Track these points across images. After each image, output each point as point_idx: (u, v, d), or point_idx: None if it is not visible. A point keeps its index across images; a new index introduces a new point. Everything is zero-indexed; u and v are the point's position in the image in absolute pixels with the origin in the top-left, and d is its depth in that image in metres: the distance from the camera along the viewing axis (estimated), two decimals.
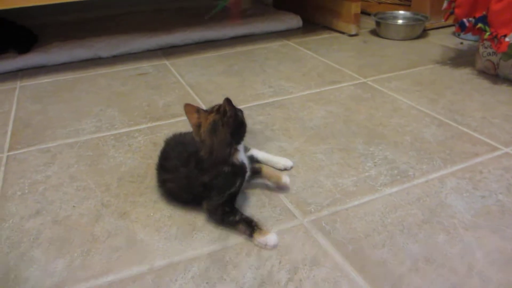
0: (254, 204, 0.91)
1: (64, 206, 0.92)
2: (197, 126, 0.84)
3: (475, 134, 1.14)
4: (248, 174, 0.87)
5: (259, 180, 0.95)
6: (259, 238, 0.79)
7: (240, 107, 1.28)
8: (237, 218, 0.82)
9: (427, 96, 1.35)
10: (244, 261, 0.76)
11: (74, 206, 0.92)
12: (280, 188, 0.94)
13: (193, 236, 0.83)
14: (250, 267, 0.75)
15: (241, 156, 0.85)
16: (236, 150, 0.84)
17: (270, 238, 0.79)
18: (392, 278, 0.72)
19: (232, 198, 0.85)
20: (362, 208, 0.89)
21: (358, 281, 0.72)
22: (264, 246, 0.79)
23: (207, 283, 0.73)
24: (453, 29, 1.51)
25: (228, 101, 0.80)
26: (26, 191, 0.98)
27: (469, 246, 0.78)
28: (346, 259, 0.76)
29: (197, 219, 0.86)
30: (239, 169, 0.85)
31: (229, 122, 0.81)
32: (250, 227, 0.81)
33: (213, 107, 0.84)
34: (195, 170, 0.84)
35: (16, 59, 1.68)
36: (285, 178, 0.93)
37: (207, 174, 0.83)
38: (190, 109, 0.85)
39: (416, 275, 0.73)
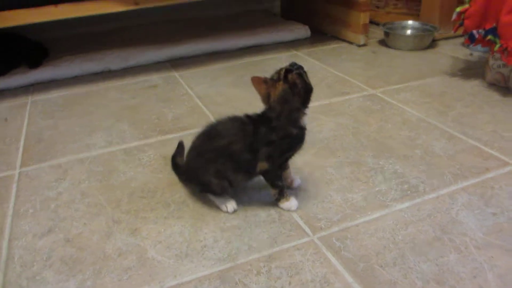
0: (264, 219, 0.91)
1: (75, 224, 0.93)
2: (266, 96, 0.89)
3: (486, 148, 1.13)
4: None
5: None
6: (284, 204, 0.93)
7: None
8: (281, 184, 0.92)
9: (436, 108, 1.35)
10: (254, 281, 0.76)
11: (85, 224, 0.93)
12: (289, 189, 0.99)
13: (204, 253, 0.83)
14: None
15: (305, 121, 0.90)
16: (304, 113, 0.89)
17: (293, 203, 0.93)
18: None
19: (284, 162, 0.94)
20: (372, 224, 0.89)
21: None
22: (288, 210, 0.93)
23: None
24: (462, 39, 1.50)
25: (298, 74, 0.85)
26: (38, 208, 0.99)
27: (481, 266, 0.77)
28: (357, 279, 0.76)
29: (208, 235, 0.87)
30: (303, 134, 0.90)
31: (300, 93, 0.86)
32: (281, 194, 0.93)
33: (278, 73, 0.87)
34: (264, 128, 0.88)
35: (28, 74, 1.70)
36: (297, 182, 1.00)
37: (276, 133, 0.88)
38: (257, 80, 0.90)
39: None
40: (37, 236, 0.90)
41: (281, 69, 0.87)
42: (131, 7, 1.50)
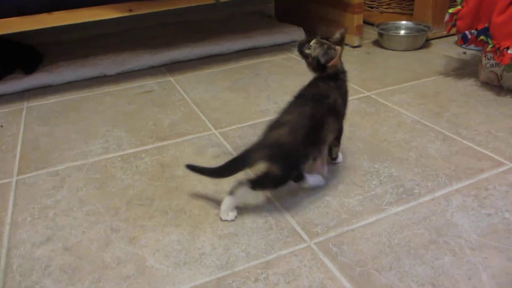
0: (262, 226, 0.91)
1: (74, 232, 0.93)
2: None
3: (480, 149, 1.14)
4: None
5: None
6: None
7: (244, 125, 1.30)
8: None
9: (431, 109, 1.36)
10: None
11: (84, 232, 0.93)
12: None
13: (202, 261, 0.84)
14: None
15: None
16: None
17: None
18: None
19: None
20: (369, 228, 0.89)
21: None
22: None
23: None
24: (455, 38, 1.51)
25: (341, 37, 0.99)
26: (36, 216, 0.99)
27: (476, 267, 0.78)
28: (353, 284, 0.77)
29: (206, 243, 0.88)
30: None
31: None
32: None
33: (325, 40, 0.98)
34: (338, 81, 1.00)
35: (23, 80, 1.70)
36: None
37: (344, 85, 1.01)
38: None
39: None
40: (35, 245, 0.90)
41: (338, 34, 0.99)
42: (125, 14, 1.50)
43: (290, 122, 0.93)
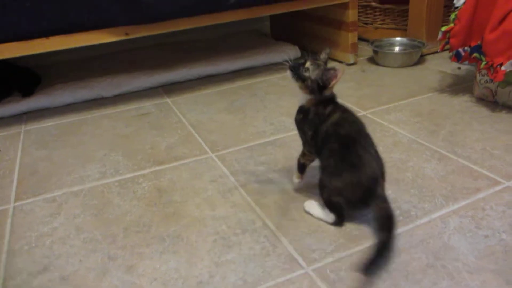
0: (259, 253, 0.91)
1: (71, 261, 0.93)
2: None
3: (476, 167, 1.14)
4: None
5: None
6: None
7: (241, 147, 1.31)
8: None
9: (427, 127, 1.37)
10: None
11: (81, 260, 0.93)
12: None
13: None
14: None
15: None
16: None
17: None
18: None
19: None
20: (366, 253, 0.89)
21: None
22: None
23: None
24: (450, 53, 1.53)
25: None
26: (33, 245, 0.99)
27: None
28: None
29: (203, 271, 0.87)
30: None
31: None
32: None
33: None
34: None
35: (20, 103, 1.71)
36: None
37: None
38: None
39: None
40: (32, 275, 0.90)
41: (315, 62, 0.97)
42: (122, 37, 1.51)
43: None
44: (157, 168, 1.26)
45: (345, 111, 0.99)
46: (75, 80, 1.86)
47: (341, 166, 0.91)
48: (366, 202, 0.90)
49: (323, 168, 0.96)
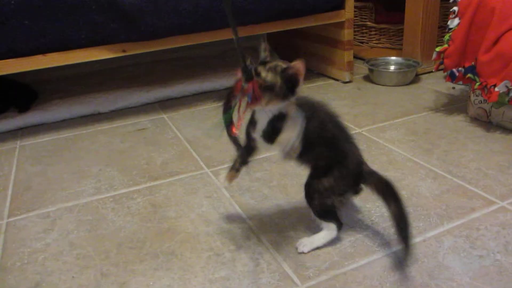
0: (253, 269, 0.91)
1: (63, 277, 0.92)
2: None
3: (470, 187, 1.15)
4: None
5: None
6: None
7: None
8: None
9: (421, 146, 1.37)
10: None
11: (73, 277, 0.92)
12: None
13: None
14: None
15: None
16: None
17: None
18: None
19: None
20: (361, 271, 0.89)
21: None
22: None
23: None
24: (444, 73, 1.55)
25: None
26: (26, 261, 0.98)
27: None
28: None
29: None
30: None
31: None
32: None
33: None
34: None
35: (16, 118, 1.71)
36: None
37: None
38: None
39: None
40: None
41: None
42: (119, 54, 1.52)
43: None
44: (152, 183, 1.25)
45: (320, 107, 0.93)
46: (72, 96, 1.86)
47: (331, 166, 0.91)
48: (357, 185, 0.95)
49: (310, 173, 0.93)
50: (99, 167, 1.37)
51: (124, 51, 1.53)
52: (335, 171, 0.90)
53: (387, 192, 0.90)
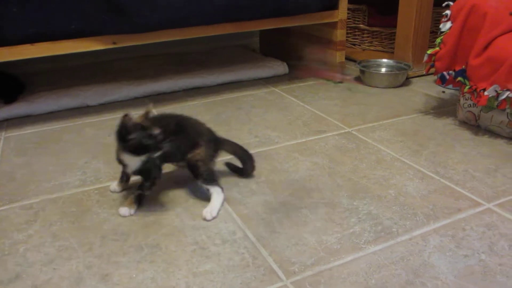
0: (238, 264, 0.90)
1: (44, 269, 0.91)
2: None
3: (458, 188, 1.15)
4: None
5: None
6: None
7: (224, 159, 1.29)
8: None
9: (410, 147, 1.38)
10: None
11: (54, 269, 0.90)
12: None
13: None
14: None
15: None
16: None
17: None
18: None
19: None
20: (346, 267, 0.89)
21: None
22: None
23: None
24: (435, 77, 1.56)
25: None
26: (6, 252, 0.96)
27: None
28: None
29: (180, 281, 0.85)
30: None
31: None
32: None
33: None
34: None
35: (2, 109, 1.68)
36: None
37: None
38: None
39: None
40: (3, 283, 0.87)
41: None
42: (109, 46, 1.51)
43: None
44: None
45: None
46: (60, 88, 1.84)
47: (195, 143, 1.13)
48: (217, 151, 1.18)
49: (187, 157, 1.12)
50: (85, 160, 1.35)
51: (114, 43, 1.51)
52: (201, 145, 1.12)
53: (240, 151, 1.22)
